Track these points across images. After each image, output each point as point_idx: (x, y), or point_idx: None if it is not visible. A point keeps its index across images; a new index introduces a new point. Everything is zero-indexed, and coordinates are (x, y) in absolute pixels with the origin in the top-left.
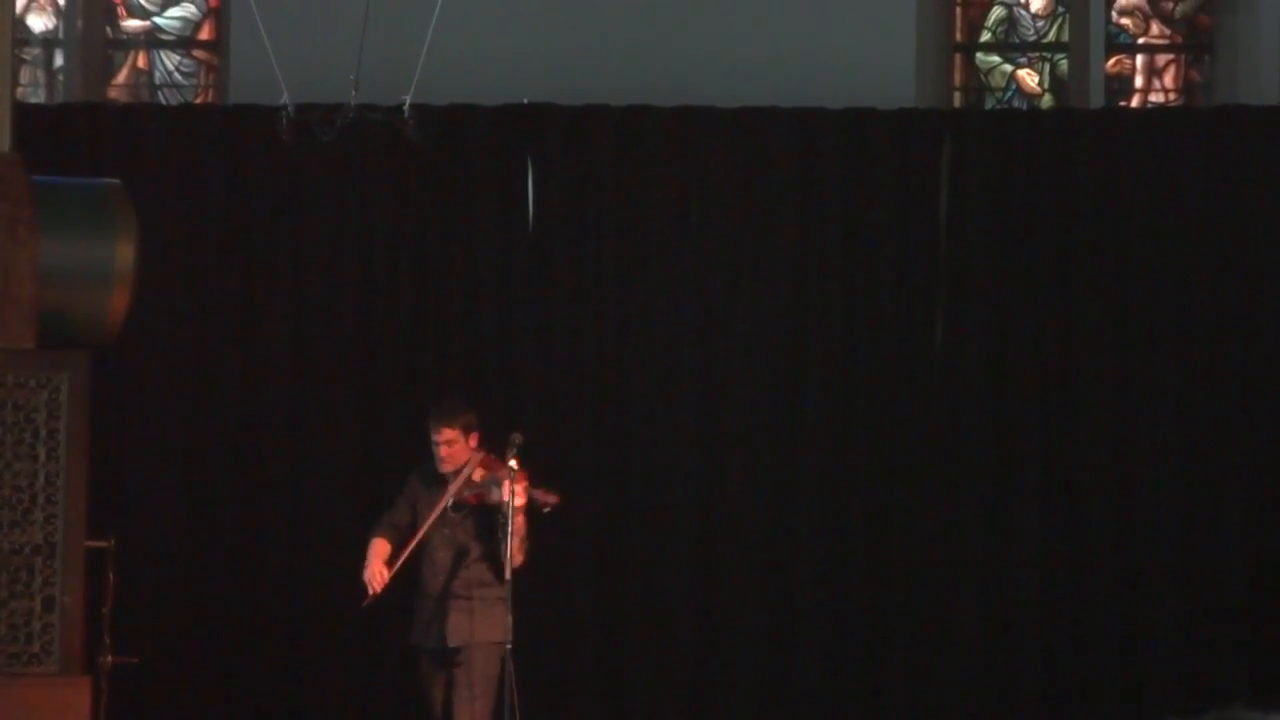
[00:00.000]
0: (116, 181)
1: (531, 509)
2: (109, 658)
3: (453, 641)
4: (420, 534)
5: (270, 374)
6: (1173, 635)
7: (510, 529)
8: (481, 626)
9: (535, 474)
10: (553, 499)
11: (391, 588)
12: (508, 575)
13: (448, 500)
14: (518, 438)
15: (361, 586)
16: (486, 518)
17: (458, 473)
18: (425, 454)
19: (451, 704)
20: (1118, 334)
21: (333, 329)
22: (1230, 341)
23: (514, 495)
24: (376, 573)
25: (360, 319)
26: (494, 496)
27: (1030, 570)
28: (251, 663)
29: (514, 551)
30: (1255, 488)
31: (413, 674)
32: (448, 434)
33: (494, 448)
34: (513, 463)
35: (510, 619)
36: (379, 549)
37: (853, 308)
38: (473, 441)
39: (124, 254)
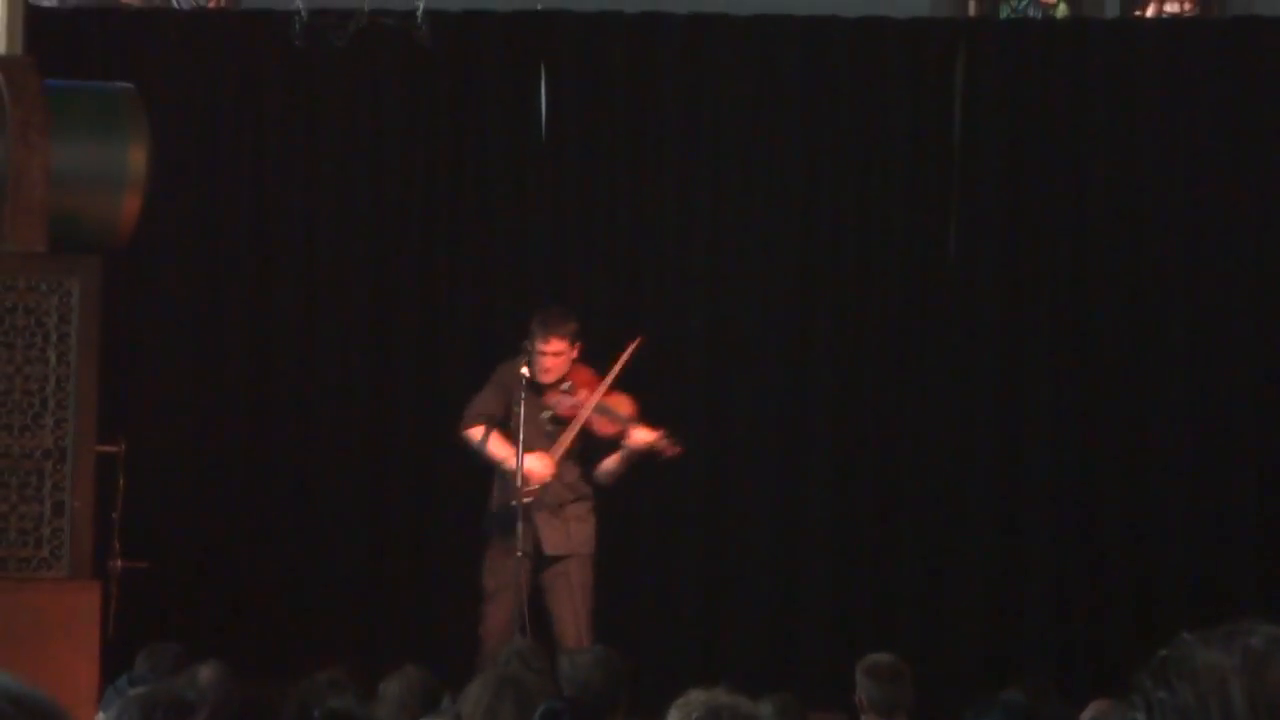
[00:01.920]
0: (129, 86)
1: (650, 452)
2: (118, 562)
3: (550, 549)
4: (562, 450)
5: (282, 279)
6: (1185, 545)
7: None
8: (578, 538)
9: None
10: (677, 450)
11: (405, 492)
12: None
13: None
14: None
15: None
16: (588, 439)
17: (557, 383)
18: (515, 350)
19: (550, 612)
20: (1130, 244)
21: (345, 235)
22: (1244, 250)
23: (633, 435)
24: (545, 458)
25: (372, 225)
26: (607, 427)
27: (1042, 480)
28: (261, 568)
29: (611, 477)
30: (1268, 394)
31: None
32: (556, 345)
33: (591, 361)
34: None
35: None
36: (503, 443)
37: (865, 218)
38: (575, 352)
39: (136, 159)
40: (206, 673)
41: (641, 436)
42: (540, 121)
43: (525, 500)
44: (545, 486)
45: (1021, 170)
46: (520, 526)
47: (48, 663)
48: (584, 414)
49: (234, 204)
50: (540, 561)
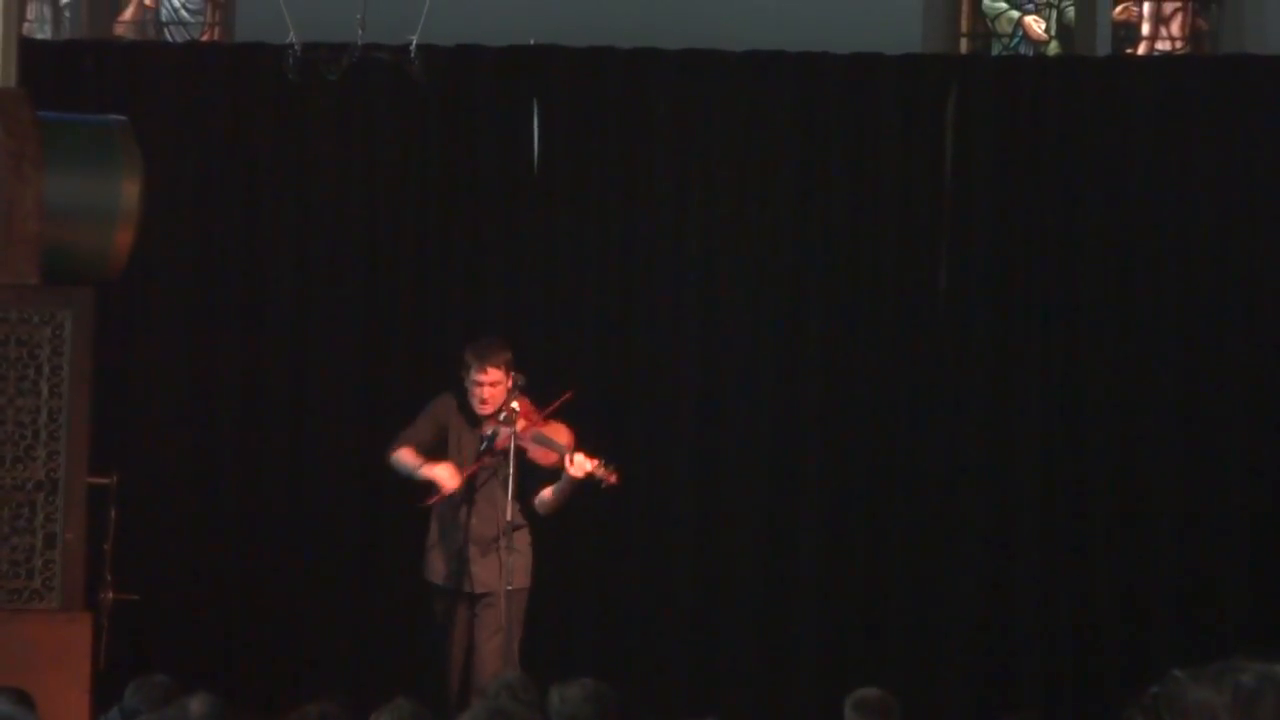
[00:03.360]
0: (122, 118)
1: (589, 481)
2: (110, 594)
3: (481, 588)
4: (473, 469)
5: (274, 311)
6: (1176, 579)
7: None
8: (512, 572)
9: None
10: (613, 479)
11: (396, 526)
12: (509, 517)
13: (487, 444)
14: (519, 379)
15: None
16: (524, 468)
17: (494, 414)
18: (453, 385)
19: (474, 642)
20: (1121, 281)
21: (337, 268)
22: (1234, 289)
23: (573, 464)
24: (454, 470)
25: (364, 258)
26: (546, 457)
27: (1032, 513)
28: (252, 600)
29: (550, 508)
30: (1261, 429)
31: (427, 609)
32: (494, 374)
33: (532, 392)
34: (515, 404)
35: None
36: (413, 454)
37: (857, 252)
38: (510, 382)
39: (129, 191)
40: (197, 705)
41: (580, 465)
42: (533, 156)
43: (428, 503)
44: (473, 517)
45: (1012, 206)
46: (453, 564)
47: (39, 694)
48: (506, 436)
49: (227, 237)
50: (473, 598)
